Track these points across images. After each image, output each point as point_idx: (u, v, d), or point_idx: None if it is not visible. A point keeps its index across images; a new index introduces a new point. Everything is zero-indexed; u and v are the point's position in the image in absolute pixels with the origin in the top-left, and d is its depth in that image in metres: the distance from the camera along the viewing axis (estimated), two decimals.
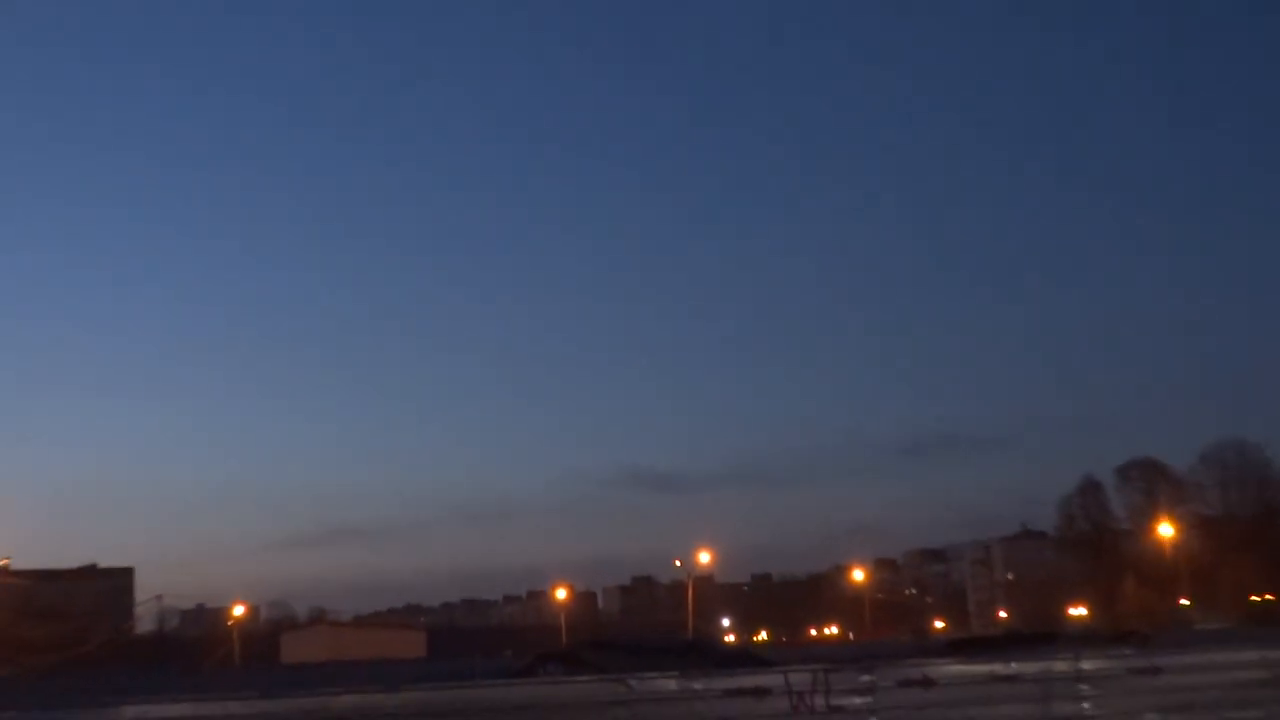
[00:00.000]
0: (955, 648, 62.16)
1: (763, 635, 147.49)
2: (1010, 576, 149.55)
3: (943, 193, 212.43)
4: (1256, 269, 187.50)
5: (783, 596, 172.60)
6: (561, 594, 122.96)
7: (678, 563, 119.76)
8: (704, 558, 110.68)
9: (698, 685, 21.99)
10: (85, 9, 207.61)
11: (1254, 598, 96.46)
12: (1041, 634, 79.46)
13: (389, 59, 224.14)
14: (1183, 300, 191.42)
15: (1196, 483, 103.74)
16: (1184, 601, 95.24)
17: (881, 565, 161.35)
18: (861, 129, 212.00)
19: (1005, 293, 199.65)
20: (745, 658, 58.55)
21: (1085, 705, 21.54)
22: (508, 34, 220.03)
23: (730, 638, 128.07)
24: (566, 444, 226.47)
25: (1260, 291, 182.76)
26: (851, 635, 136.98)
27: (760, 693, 21.77)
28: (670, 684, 22.67)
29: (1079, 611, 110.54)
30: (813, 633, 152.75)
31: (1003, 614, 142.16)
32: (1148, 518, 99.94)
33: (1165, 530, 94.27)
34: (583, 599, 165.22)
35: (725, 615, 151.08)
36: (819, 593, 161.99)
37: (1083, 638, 73.76)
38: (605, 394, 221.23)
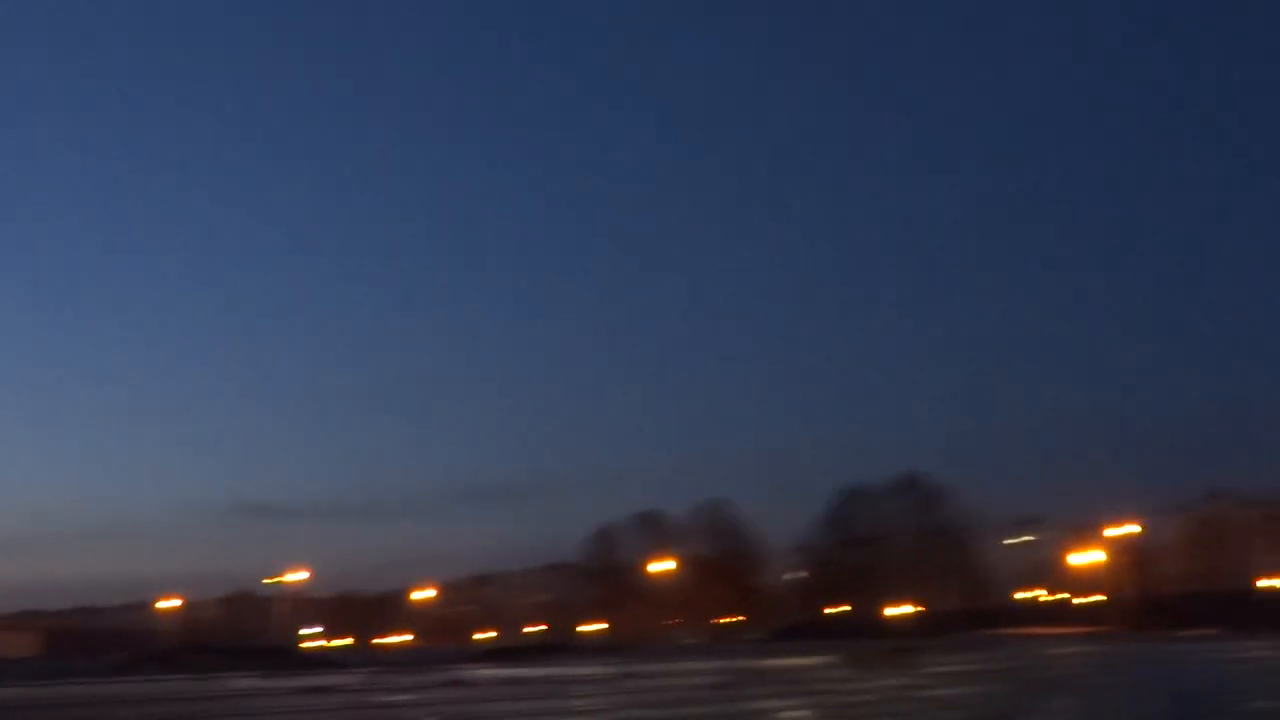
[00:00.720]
0: (493, 655, 62.61)
1: (343, 642, 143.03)
2: (543, 598, 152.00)
3: (542, 265, 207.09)
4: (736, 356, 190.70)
5: (363, 610, 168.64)
6: (170, 603, 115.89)
7: (275, 579, 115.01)
8: (297, 575, 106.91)
9: (272, 684, 21.29)
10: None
11: (723, 620, 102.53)
12: (562, 645, 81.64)
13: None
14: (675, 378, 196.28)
15: (688, 529, 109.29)
16: (673, 622, 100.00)
17: (443, 586, 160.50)
18: (475, 210, 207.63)
19: (556, 365, 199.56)
20: (321, 661, 56.85)
21: (582, 702, 22.20)
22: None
23: (316, 643, 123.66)
24: (187, 473, 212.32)
25: (728, 362, 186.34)
26: (415, 642, 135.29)
27: (326, 690, 21.32)
28: (251, 682, 21.85)
29: (595, 628, 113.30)
30: (384, 640, 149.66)
31: (535, 629, 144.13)
32: (651, 555, 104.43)
33: (662, 565, 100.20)
34: (191, 609, 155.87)
35: (313, 625, 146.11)
36: (392, 607, 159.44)
37: (593, 649, 76.06)
38: (225, 432, 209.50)
